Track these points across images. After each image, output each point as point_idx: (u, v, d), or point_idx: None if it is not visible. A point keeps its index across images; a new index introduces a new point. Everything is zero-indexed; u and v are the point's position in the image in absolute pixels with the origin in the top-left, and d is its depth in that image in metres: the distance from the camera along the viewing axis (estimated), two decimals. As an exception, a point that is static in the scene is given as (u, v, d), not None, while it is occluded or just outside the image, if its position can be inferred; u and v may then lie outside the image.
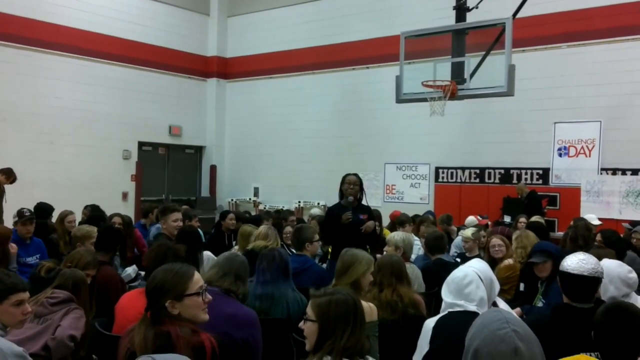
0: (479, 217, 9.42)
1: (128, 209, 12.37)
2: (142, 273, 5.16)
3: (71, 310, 3.51)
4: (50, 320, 3.45)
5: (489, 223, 10.00)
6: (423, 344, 3.18)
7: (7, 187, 8.89)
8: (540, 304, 4.59)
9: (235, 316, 3.20)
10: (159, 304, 2.55)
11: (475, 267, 3.24)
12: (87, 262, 4.26)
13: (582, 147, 10.75)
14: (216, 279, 3.40)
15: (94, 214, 7.56)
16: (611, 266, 3.48)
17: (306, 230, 5.48)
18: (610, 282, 3.40)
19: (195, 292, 2.62)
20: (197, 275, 2.68)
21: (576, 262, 3.04)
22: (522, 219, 8.48)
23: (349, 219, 5.90)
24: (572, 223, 7.87)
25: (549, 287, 4.51)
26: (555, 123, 10.96)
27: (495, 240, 5.87)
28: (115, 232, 5.28)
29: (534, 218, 8.26)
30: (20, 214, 6.25)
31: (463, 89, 8.36)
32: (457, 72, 8.47)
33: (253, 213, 11.59)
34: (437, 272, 5.27)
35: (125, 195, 13.72)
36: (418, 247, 6.93)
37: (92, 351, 4.15)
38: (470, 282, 3.15)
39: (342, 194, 6.17)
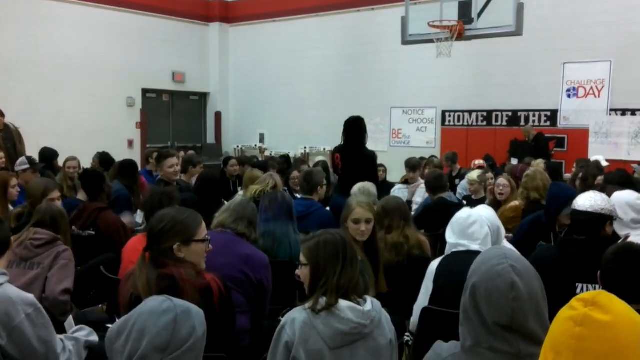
0: (475, 162, 9.29)
1: (134, 157, 12.28)
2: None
3: (59, 255, 3.50)
4: (40, 267, 3.44)
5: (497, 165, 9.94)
6: (428, 285, 3.22)
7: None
8: None
9: (251, 257, 3.30)
10: (165, 245, 2.55)
11: (482, 213, 3.27)
12: (45, 188, 4.33)
13: (592, 88, 10.57)
14: (229, 222, 3.43)
15: (104, 158, 7.59)
16: (622, 194, 3.79)
17: (317, 174, 5.42)
18: (619, 207, 3.53)
19: (202, 238, 2.64)
20: (204, 223, 2.70)
21: (584, 199, 3.21)
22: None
23: None
24: (575, 165, 7.83)
25: None
26: (564, 63, 10.76)
27: (501, 180, 5.75)
28: (93, 175, 4.92)
29: (539, 161, 8.17)
30: (31, 161, 6.25)
31: (470, 29, 8.20)
32: (465, 11, 8.30)
33: (260, 160, 11.55)
34: (438, 211, 5.25)
35: (130, 143, 13.71)
36: (423, 190, 6.91)
37: (100, 296, 4.22)
38: (474, 222, 3.16)
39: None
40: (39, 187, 4.41)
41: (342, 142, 6.36)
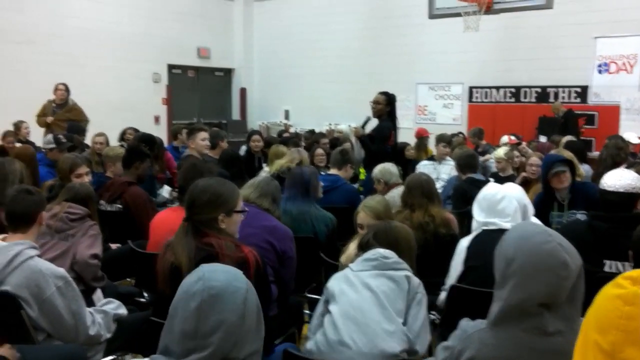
0: (511, 137, 9.20)
1: (161, 132, 12.38)
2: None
3: (89, 228, 3.55)
4: (73, 238, 3.49)
5: (524, 143, 9.79)
6: (457, 264, 3.17)
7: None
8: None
9: (276, 228, 3.38)
10: (210, 216, 2.59)
11: (509, 190, 3.21)
12: (72, 164, 4.43)
13: (624, 63, 10.29)
14: (254, 198, 3.48)
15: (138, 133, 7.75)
16: None
17: (352, 154, 5.61)
18: None
19: (241, 209, 2.71)
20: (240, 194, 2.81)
21: (613, 178, 3.11)
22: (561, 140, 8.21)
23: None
24: (607, 142, 7.65)
25: (574, 199, 4.41)
26: (596, 38, 10.47)
27: (534, 160, 5.61)
28: (134, 150, 5.26)
29: (566, 138, 8.00)
30: (57, 140, 6.28)
31: (499, 2, 8.09)
32: (494, -16, 8.13)
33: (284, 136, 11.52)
34: (467, 190, 5.24)
35: (157, 119, 13.77)
36: (451, 167, 6.86)
37: (127, 271, 4.27)
38: (503, 198, 3.10)
39: None
40: (67, 163, 4.51)
41: (392, 117, 6.78)
